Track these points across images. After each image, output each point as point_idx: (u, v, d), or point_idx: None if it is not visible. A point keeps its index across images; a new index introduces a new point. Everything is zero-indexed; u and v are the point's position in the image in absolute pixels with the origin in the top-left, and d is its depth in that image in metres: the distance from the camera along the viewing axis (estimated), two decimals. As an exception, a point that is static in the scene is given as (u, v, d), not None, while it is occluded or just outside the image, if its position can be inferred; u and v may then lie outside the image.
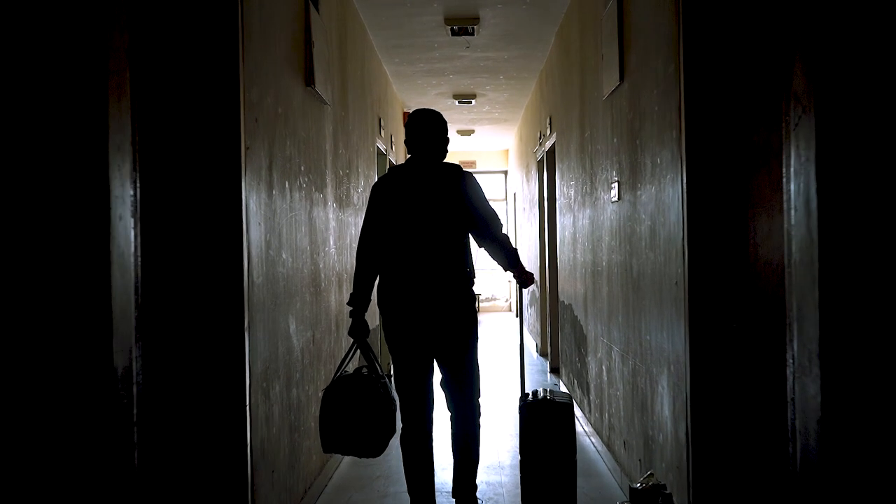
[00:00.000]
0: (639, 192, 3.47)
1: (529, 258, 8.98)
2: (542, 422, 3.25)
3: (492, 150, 14.35)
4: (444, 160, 3.41)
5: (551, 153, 7.31)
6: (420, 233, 3.27)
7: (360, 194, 5.76)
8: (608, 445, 4.39)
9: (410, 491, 3.36)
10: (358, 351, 3.35)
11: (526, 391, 3.47)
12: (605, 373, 4.49)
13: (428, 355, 3.34)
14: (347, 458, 4.66)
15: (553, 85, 6.78)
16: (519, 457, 3.34)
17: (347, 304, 3.36)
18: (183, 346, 2.59)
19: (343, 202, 4.91)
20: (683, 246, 2.74)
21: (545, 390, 3.41)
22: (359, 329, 3.31)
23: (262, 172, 2.98)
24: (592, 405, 4.97)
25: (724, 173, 2.64)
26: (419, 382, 3.32)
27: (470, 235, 3.40)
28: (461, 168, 3.41)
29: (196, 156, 2.62)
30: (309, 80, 3.83)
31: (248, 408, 2.70)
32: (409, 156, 3.44)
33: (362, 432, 3.13)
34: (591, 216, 4.84)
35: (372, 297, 3.40)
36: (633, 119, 3.55)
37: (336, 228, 4.63)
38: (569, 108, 5.81)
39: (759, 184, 2.56)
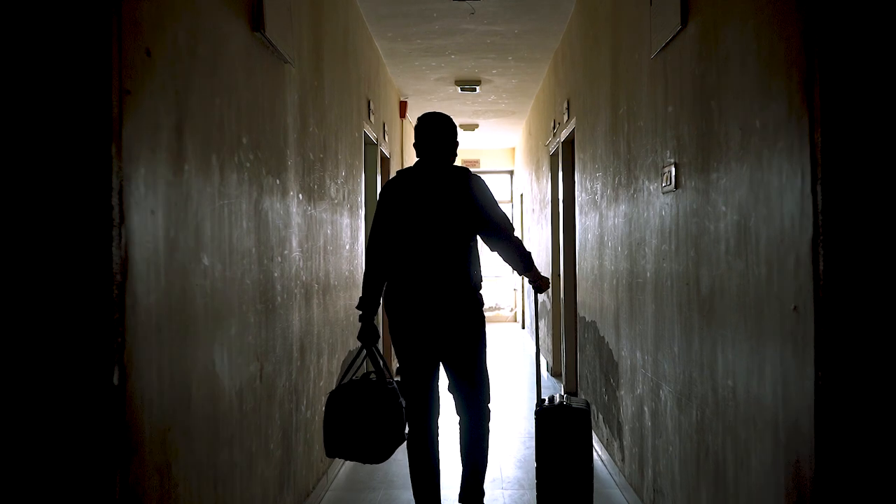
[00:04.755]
0: (714, 175, 2.45)
1: (540, 266, 7.94)
2: (559, 427, 3.22)
3: (497, 147, 13.32)
4: (454, 163, 3.42)
5: (568, 144, 6.30)
6: (426, 237, 3.27)
7: (341, 186, 4.73)
8: (653, 512, 3.36)
9: (416, 493, 3.37)
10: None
11: (542, 397, 3.42)
12: (647, 416, 3.46)
13: (433, 359, 3.35)
14: (314, 522, 3.66)
15: (573, 62, 5.76)
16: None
17: (357, 307, 3.30)
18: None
19: (314, 193, 3.88)
20: (816, 251, 1.72)
21: (561, 396, 3.35)
22: (368, 334, 3.24)
23: (163, 136, 1.97)
24: (627, 453, 3.93)
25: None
26: (424, 387, 3.34)
27: (480, 239, 3.39)
28: (469, 171, 3.38)
29: (30, 98, 1.61)
30: (257, 23, 2.82)
31: (118, 504, 1.68)
32: (417, 159, 3.44)
33: (367, 438, 3.04)
34: (627, 213, 3.82)
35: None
36: (706, 73, 2.53)
37: (302, 226, 3.60)
38: (595, 84, 4.79)
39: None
